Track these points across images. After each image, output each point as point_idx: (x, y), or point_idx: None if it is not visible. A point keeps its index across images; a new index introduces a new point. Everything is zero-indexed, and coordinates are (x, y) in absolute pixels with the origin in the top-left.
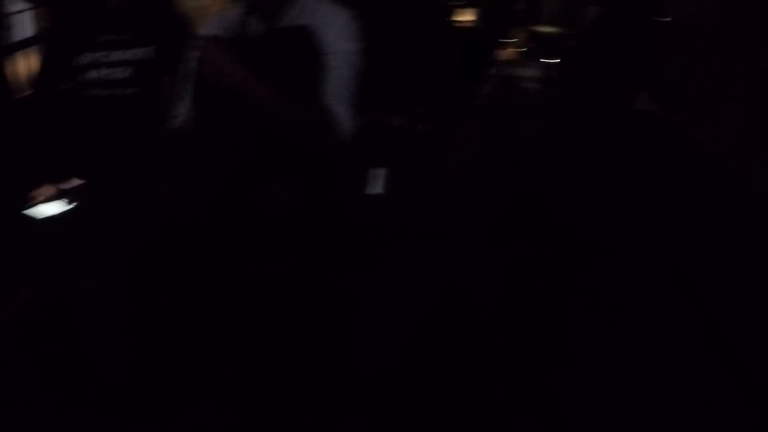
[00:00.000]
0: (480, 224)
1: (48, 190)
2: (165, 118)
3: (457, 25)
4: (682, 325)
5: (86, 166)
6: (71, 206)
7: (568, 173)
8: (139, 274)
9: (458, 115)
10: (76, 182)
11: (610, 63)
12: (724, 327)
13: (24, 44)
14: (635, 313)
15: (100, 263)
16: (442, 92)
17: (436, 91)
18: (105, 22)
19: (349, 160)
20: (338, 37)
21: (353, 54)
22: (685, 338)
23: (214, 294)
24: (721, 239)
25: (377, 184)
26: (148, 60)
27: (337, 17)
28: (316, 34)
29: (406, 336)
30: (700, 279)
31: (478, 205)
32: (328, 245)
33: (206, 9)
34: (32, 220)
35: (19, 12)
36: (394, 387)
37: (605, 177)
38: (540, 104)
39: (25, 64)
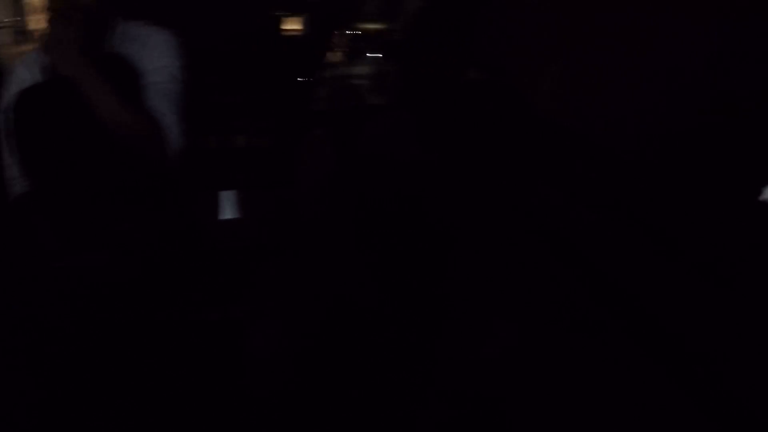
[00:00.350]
0: (344, 232)
1: None
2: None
3: (285, 34)
4: (563, 285)
5: None
6: None
7: (420, 162)
8: None
9: (299, 124)
10: None
11: (438, 47)
12: (600, 278)
13: None
14: (514, 281)
15: None
16: (279, 104)
17: (273, 104)
18: None
19: (196, 186)
20: (159, 54)
21: (175, 69)
22: (569, 298)
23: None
24: (575, 192)
25: (229, 208)
26: None
27: (156, 36)
28: (136, 58)
29: (294, 359)
30: (567, 235)
31: (337, 213)
32: (190, 277)
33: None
34: None
35: None
36: (288, 413)
37: (457, 157)
38: (376, 100)
39: None
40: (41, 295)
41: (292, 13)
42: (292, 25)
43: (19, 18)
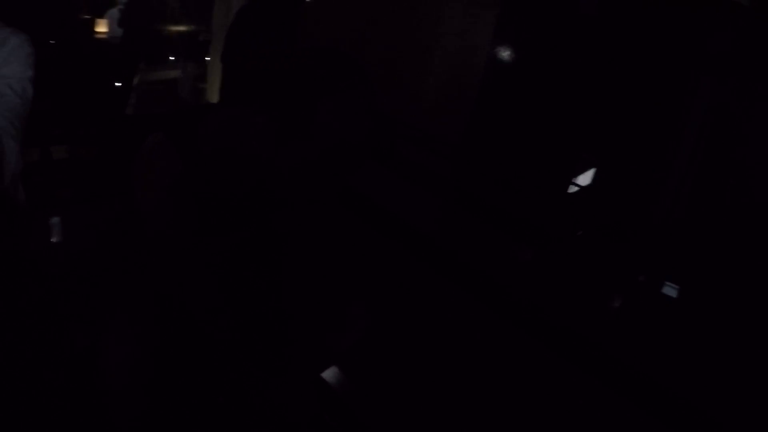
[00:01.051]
0: (194, 233)
1: None
2: None
3: (95, 37)
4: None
5: None
6: None
7: (260, 156)
8: None
9: (120, 131)
10: None
11: (261, 46)
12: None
13: None
14: (358, 270)
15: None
16: (96, 111)
17: (91, 112)
18: None
19: (22, 210)
20: (9, 61)
21: (24, 81)
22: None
23: None
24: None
25: (58, 231)
26: None
27: (7, 39)
28: None
29: (150, 377)
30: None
31: (187, 214)
32: (29, 304)
33: None
34: None
35: None
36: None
37: (293, 149)
38: (194, 101)
39: None
40: None
41: (99, 15)
42: (101, 28)
43: None
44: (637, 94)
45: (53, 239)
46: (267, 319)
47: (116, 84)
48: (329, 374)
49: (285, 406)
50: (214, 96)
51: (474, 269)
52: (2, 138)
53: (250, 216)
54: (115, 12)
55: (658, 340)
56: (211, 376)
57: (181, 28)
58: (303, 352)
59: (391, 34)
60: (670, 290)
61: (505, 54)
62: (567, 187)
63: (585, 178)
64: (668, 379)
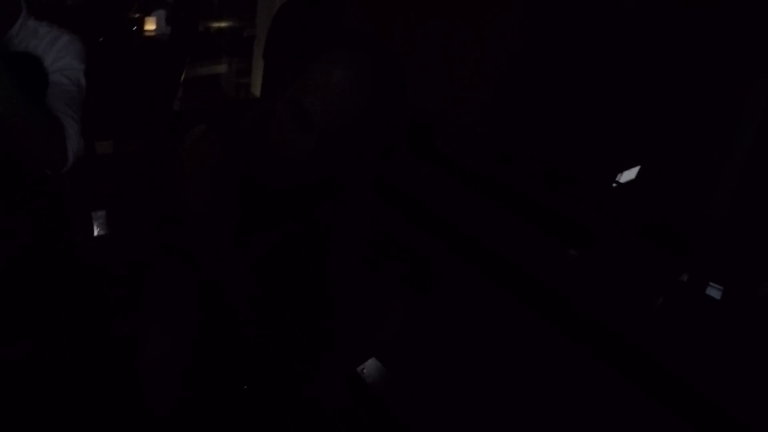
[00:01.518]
0: (237, 225)
1: None
2: None
3: (143, 35)
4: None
5: None
6: None
7: (302, 149)
8: None
9: (164, 126)
10: None
11: (301, 44)
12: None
13: None
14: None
15: None
16: (144, 107)
17: (137, 107)
18: None
19: (72, 201)
20: (63, 56)
21: (78, 72)
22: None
23: None
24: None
25: (102, 224)
26: None
27: (59, 38)
28: (39, 55)
29: (188, 367)
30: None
31: (229, 206)
32: (74, 294)
33: None
34: None
35: None
36: (190, 421)
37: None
38: (238, 96)
39: None
40: None
41: (148, 13)
42: (149, 26)
43: None
44: (685, 90)
45: (98, 232)
46: (306, 311)
47: (163, 80)
48: (365, 369)
49: (320, 399)
50: (257, 91)
51: (516, 268)
52: (63, 120)
53: (292, 210)
54: (162, 12)
55: (699, 343)
56: (248, 366)
57: (226, 24)
58: (340, 346)
59: (430, 27)
60: (714, 291)
61: (544, 50)
62: (610, 186)
63: (629, 176)
64: (704, 382)
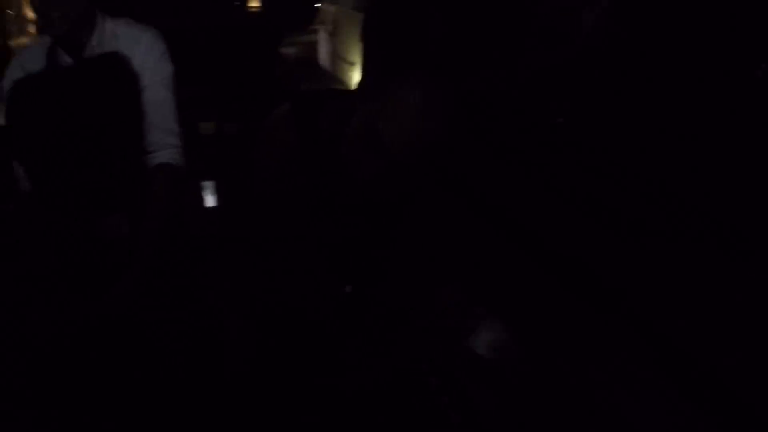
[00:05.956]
0: (300, 214)
1: None
2: None
3: (248, 11)
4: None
5: None
6: None
7: (380, 144)
8: None
9: (263, 105)
10: None
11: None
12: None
13: None
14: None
15: None
16: (244, 86)
17: (239, 87)
18: None
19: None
20: (148, 59)
21: (167, 75)
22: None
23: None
24: None
25: (209, 196)
26: None
27: (141, 37)
28: (124, 58)
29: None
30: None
31: (293, 192)
32: (180, 264)
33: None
34: None
35: None
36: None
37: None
38: (334, 72)
39: None
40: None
41: None
42: (253, 3)
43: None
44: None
45: (207, 204)
46: (376, 302)
47: (262, 57)
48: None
49: (392, 388)
50: (354, 72)
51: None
52: (169, 137)
53: (363, 203)
54: None
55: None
56: (319, 358)
57: None
58: (409, 337)
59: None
60: None
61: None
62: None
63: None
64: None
